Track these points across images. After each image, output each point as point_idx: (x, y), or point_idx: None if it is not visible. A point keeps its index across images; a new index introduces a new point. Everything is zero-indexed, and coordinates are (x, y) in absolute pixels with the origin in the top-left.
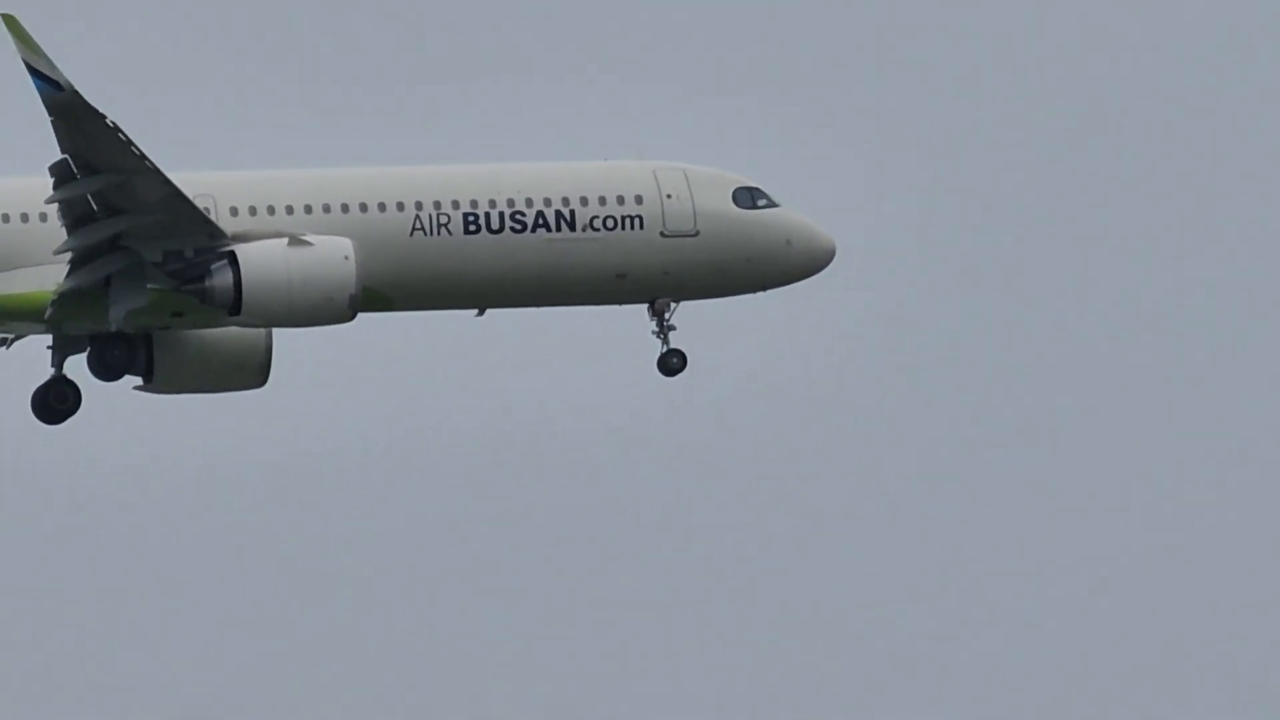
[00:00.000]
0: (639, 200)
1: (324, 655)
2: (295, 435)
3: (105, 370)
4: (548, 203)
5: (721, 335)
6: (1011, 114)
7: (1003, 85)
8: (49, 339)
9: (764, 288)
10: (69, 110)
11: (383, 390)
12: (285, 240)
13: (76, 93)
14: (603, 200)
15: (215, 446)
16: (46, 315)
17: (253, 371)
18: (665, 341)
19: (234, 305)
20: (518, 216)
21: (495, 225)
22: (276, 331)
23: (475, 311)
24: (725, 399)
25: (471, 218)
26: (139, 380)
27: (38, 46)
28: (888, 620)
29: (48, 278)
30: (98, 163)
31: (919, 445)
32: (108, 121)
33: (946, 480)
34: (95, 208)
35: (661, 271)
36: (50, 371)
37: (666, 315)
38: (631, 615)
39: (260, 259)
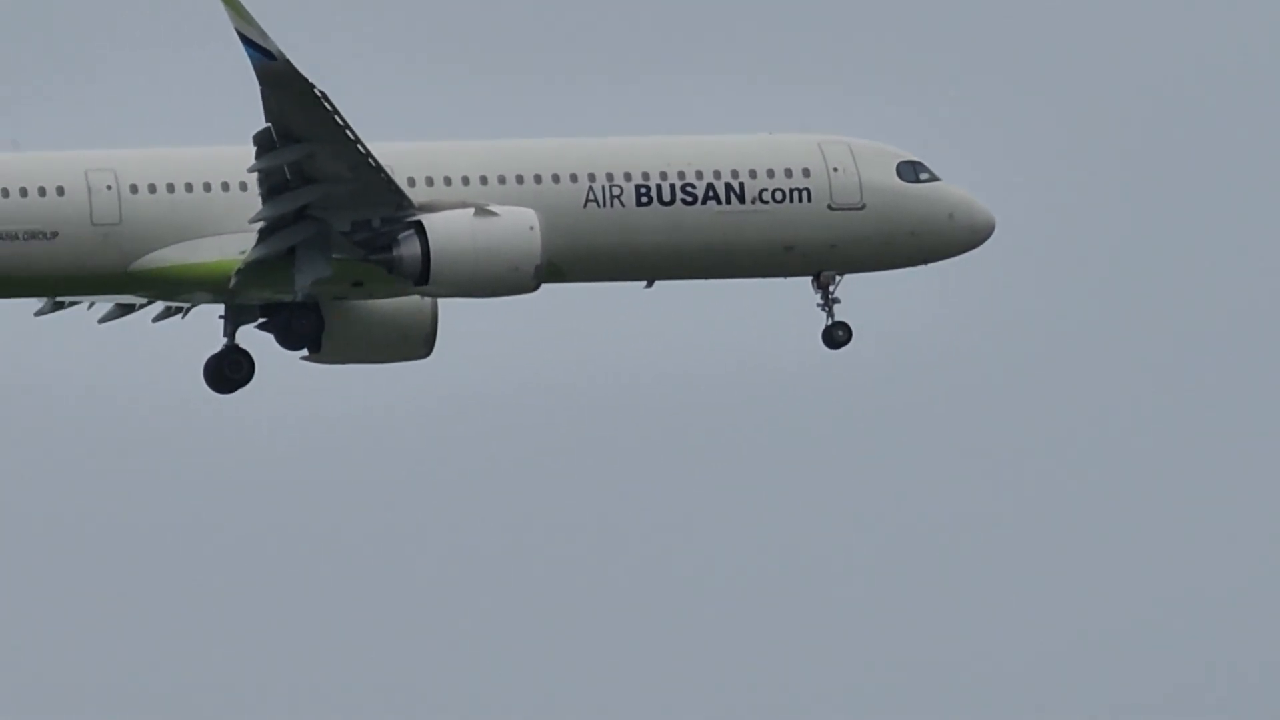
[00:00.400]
0: (806, 173)
1: (497, 622)
2: (461, 405)
3: (293, 339)
4: (717, 175)
5: (884, 308)
6: (1161, 96)
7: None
8: (219, 309)
9: (925, 261)
10: (280, 79)
11: (548, 361)
12: (471, 210)
13: (288, 62)
14: (771, 173)
15: (383, 416)
16: (231, 284)
17: (419, 342)
18: (830, 314)
19: (422, 275)
20: (688, 189)
21: (667, 197)
22: (443, 301)
23: (644, 283)
24: (889, 370)
25: (643, 190)
26: (304, 350)
27: (249, 15)
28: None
29: (229, 247)
30: (301, 132)
31: (1075, 420)
32: (316, 91)
33: (1107, 459)
34: (289, 177)
35: (829, 245)
36: (222, 341)
37: (831, 288)
38: (793, 586)
39: (448, 229)
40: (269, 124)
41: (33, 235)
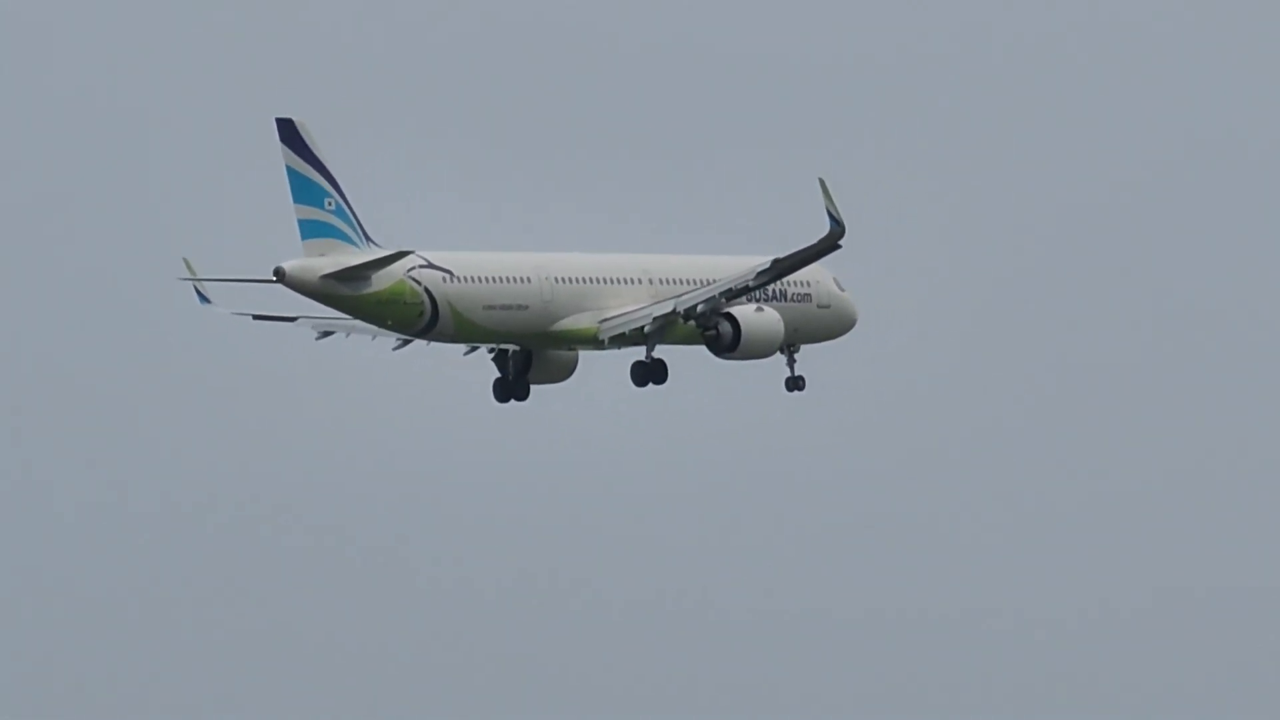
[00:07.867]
0: (808, 284)
1: None
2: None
3: (640, 379)
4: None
5: (823, 367)
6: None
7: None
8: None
9: (835, 338)
10: (834, 239)
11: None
12: (754, 308)
13: (844, 231)
14: (794, 282)
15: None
16: (604, 343)
17: (570, 371)
18: (792, 369)
19: (732, 346)
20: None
21: (757, 296)
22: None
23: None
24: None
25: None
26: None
27: (832, 198)
28: None
29: (593, 319)
30: (787, 272)
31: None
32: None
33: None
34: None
35: (814, 329)
36: (510, 372)
37: (795, 354)
38: None
39: (749, 319)
40: (786, 262)
41: (518, 308)
